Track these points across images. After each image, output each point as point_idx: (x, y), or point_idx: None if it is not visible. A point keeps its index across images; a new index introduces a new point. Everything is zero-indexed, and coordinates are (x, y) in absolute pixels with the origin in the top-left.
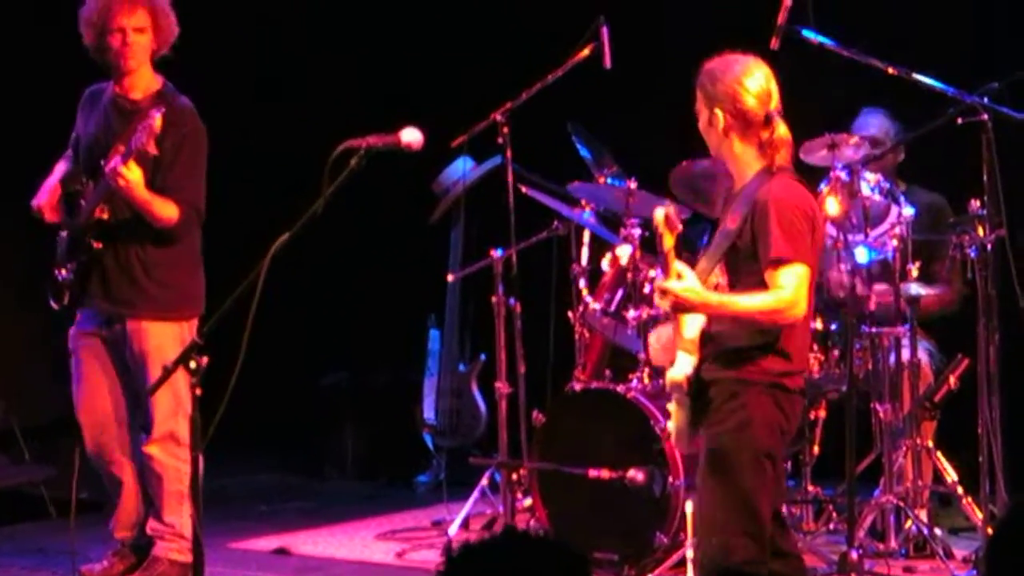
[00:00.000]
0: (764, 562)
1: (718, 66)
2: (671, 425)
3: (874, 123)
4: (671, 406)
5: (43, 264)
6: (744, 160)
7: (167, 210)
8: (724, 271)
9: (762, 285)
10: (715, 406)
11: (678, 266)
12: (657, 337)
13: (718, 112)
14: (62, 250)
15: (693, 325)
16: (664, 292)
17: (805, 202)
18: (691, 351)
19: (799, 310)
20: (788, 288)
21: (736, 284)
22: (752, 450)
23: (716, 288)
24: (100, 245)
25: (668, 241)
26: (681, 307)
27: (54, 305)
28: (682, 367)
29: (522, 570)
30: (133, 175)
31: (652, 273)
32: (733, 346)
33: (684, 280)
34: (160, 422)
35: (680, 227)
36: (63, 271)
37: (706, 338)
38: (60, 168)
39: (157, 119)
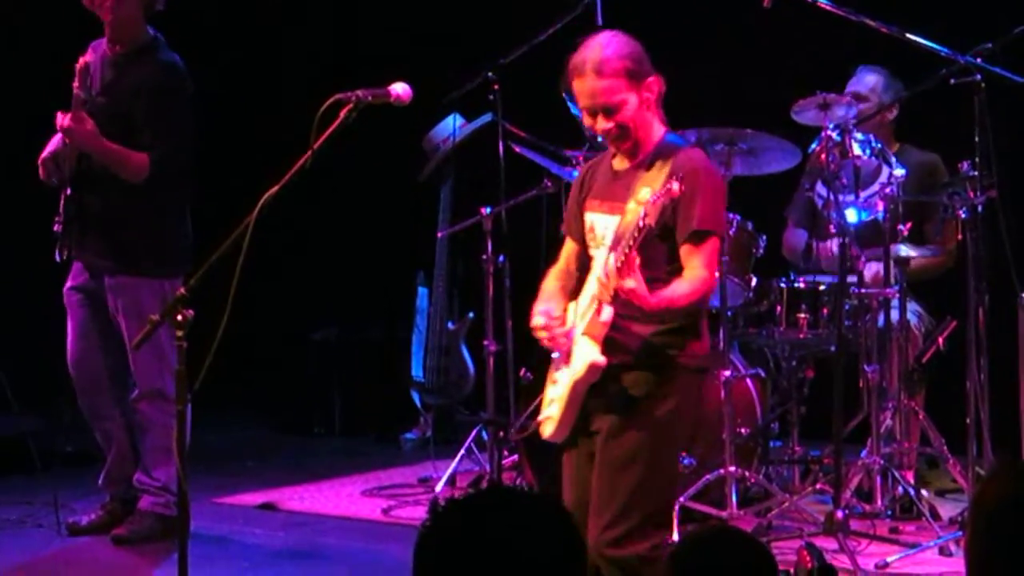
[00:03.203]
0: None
1: (614, 44)
2: (553, 411)
3: (864, 81)
4: (558, 393)
5: (37, 219)
6: (654, 127)
7: (133, 162)
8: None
9: (669, 260)
10: (641, 393)
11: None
12: (546, 313)
13: (650, 82)
14: (61, 204)
15: (609, 309)
16: (620, 291)
17: (719, 172)
18: (596, 334)
19: (712, 285)
20: (708, 267)
21: (648, 264)
22: (678, 441)
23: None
24: (75, 194)
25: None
26: (631, 303)
27: (57, 258)
28: (594, 352)
29: (508, 525)
30: (80, 126)
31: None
32: (647, 332)
33: (639, 283)
34: (145, 378)
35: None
36: (57, 225)
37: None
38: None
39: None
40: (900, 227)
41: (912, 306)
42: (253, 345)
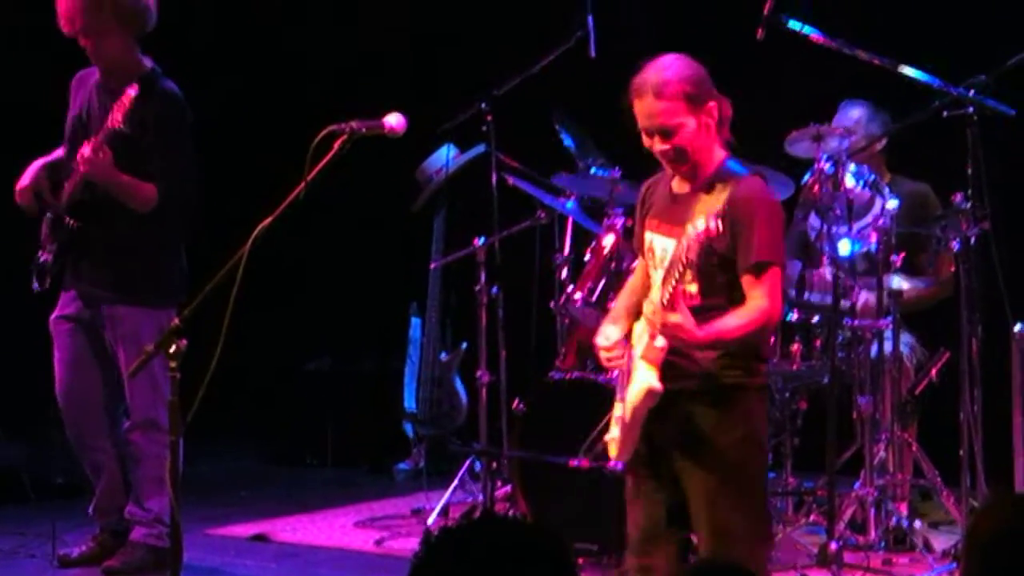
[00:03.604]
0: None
1: (675, 67)
2: (616, 433)
3: (849, 115)
4: (621, 414)
5: (24, 247)
6: (714, 151)
7: (143, 193)
8: (696, 278)
9: (734, 289)
10: (708, 426)
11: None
12: (606, 337)
13: (712, 107)
14: (45, 232)
15: (662, 337)
16: (665, 326)
17: (777, 199)
18: (653, 360)
19: (779, 315)
20: (770, 297)
21: (708, 291)
22: (763, 458)
23: (686, 298)
24: (75, 224)
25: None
26: (678, 340)
27: (36, 287)
28: (651, 378)
29: (501, 553)
30: (98, 159)
31: (635, 263)
32: (707, 358)
33: (685, 317)
34: (139, 408)
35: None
36: (45, 254)
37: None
38: (57, 152)
39: (130, 95)
40: (893, 258)
41: (905, 338)
42: (246, 376)
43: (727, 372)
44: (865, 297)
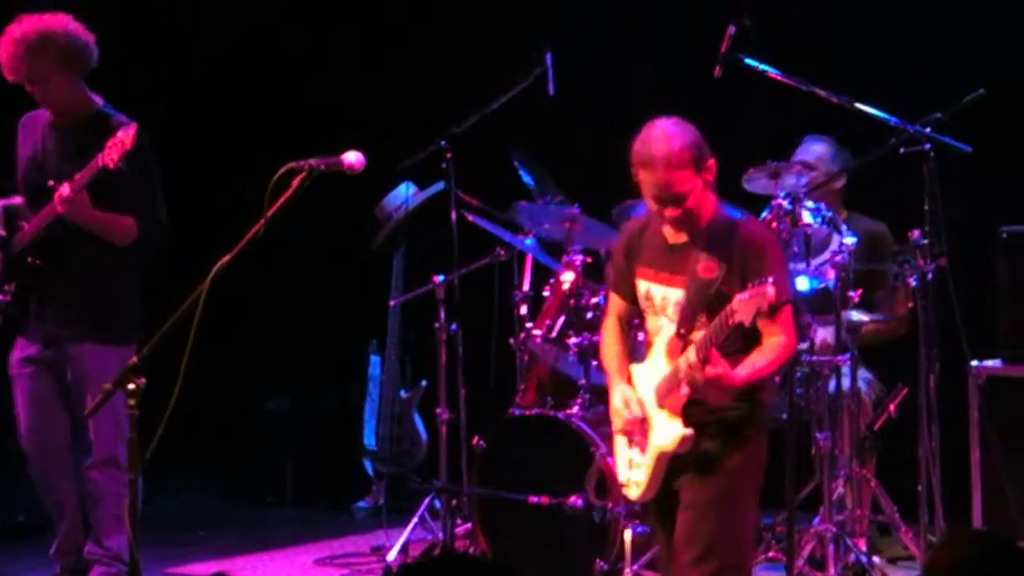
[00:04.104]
0: None
1: (681, 136)
2: (639, 476)
3: (811, 150)
4: (643, 459)
5: None
6: (709, 204)
7: (122, 228)
8: (706, 322)
9: (749, 330)
10: (714, 447)
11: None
12: (626, 400)
13: (711, 164)
14: (7, 269)
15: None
16: (703, 377)
17: (776, 236)
18: (678, 409)
19: (795, 346)
20: (788, 332)
21: (728, 338)
22: (757, 486)
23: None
24: (36, 262)
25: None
26: (719, 388)
27: None
28: (679, 426)
29: None
30: (78, 199)
31: (595, 300)
32: (725, 397)
33: (724, 366)
34: (101, 446)
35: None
36: (2, 295)
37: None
38: (15, 198)
39: (129, 135)
40: (850, 294)
41: (863, 373)
42: (205, 413)
43: (735, 407)
44: (823, 334)
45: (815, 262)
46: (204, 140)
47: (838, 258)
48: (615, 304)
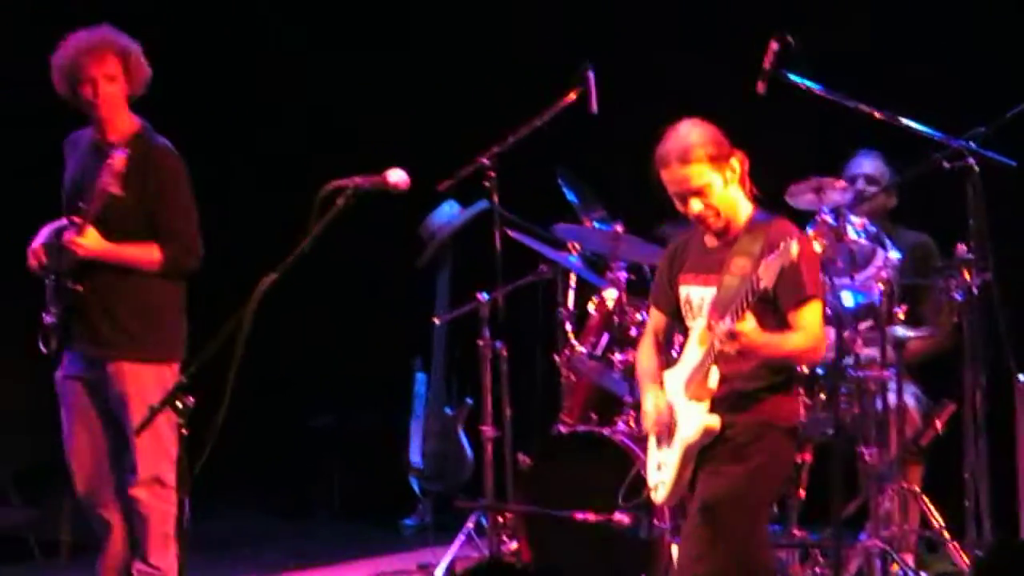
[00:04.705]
0: None
1: (694, 132)
2: (666, 476)
3: (870, 164)
4: (670, 459)
5: (32, 309)
6: (742, 204)
7: (146, 256)
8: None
9: (782, 325)
10: (734, 447)
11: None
12: (656, 406)
13: (734, 162)
14: (49, 294)
15: (716, 373)
16: (734, 335)
17: (808, 236)
18: (704, 399)
19: (824, 346)
20: (817, 325)
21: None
22: (770, 493)
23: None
24: (80, 288)
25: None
26: (746, 349)
27: (43, 349)
28: (706, 417)
29: None
30: (87, 241)
31: (639, 317)
32: (750, 389)
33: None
34: (145, 465)
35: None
36: (50, 316)
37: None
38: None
39: (119, 158)
40: (896, 309)
41: (910, 388)
42: (250, 432)
43: (760, 404)
44: (870, 351)
45: (859, 277)
46: (248, 158)
47: (883, 273)
48: (654, 319)
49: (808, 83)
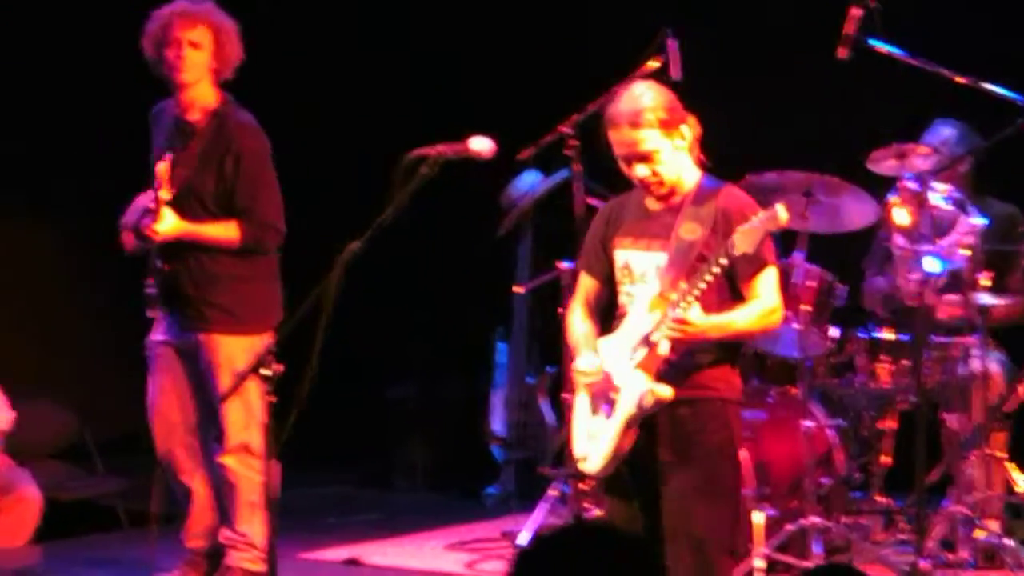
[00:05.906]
0: None
1: (647, 95)
2: (602, 448)
3: (938, 133)
4: (608, 427)
5: (124, 283)
6: (689, 171)
7: (227, 234)
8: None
9: (723, 294)
10: (698, 426)
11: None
12: (589, 363)
13: (684, 129)
14: (148, 266)
15: (667, 342)
16: (684, 324)
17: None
18: (652, 368)
19: (781, 312)
20: (775, 293)
21: (708, 307)
22: (738, 472)
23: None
24: (168, 267)
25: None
26: (692, 339)
27: (149, 315)
28: (653, 384)
29: (592, 558)
30: (163, 226)
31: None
32: (698, 361)
33: (697, 311)
34: (233, 433)
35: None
36: (149, 287)
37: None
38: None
39: (198, 143)
40: (980, 275)
41: (995, 354)
42: (333, 402)
43: (712, 381)
44: (954, 313)
45: (942, 243)
46: (332, 127)
47: (967, 239)
48: (585, 285)
49: (889, 48)
